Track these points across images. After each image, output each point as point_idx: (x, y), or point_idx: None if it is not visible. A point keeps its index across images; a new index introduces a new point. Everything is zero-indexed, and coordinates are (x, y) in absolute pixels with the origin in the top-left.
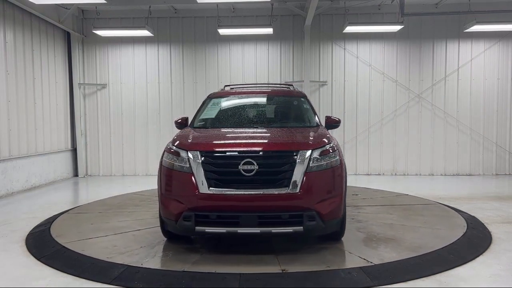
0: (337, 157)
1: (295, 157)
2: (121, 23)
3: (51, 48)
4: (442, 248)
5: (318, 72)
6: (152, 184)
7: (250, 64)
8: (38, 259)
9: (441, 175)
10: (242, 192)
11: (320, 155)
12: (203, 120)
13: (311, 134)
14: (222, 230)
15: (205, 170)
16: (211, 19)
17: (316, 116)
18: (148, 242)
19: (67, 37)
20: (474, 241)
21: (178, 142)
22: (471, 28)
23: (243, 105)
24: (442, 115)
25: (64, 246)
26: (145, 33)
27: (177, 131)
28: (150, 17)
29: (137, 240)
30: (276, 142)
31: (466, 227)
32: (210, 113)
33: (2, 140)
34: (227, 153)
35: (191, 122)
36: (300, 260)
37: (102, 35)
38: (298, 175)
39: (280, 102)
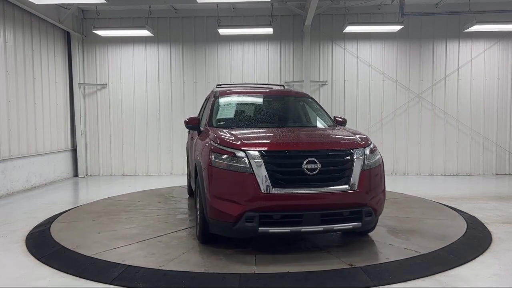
0: (379, 155)
1: (352, 155)
2: (121, 23)
3: (51, 48)
4: (442, 248)
5: (318, 72)
6: (152, 184)
7: (250, 64)
8: (38, 259)
9: (441, 175)
10: (306, 191)
11: (370, 152)
12: (223, 120)
13: (350, 133)
14: (286, 229)
15: (268, 170)
16: (211, 19)
17: (329, 116)
18: (186, 247)
19: (67, 37)
20: (474, 241)
21: (230, 142)
22: (471, 28)
23: (259, 105)
24: (442, 115)
25: (63, 246)
26: (145, 33)
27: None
28: (150, 17)
29: (171, 246)
30: (332, 141)
31: (466, 227)
32: (227, 112)
33: (2, 140)
34: (291, 153)
35: (208, 122)
36: (361, 255)
37: (102, 35)
38: (356, 172)
39: (291, 102)
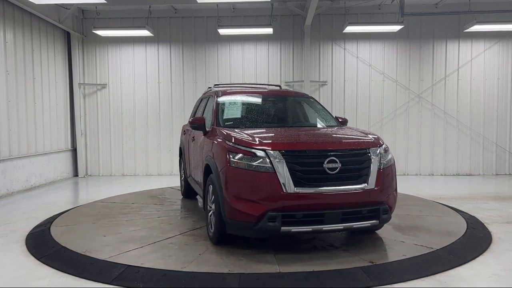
0: (391, 154)
1: (369, 154)
2: (121, 23)
3: (51, 48)
4: (442, 248)
5: (318, 72)
6: (152, 184)
7: (250, 64)
8: (38, 259)
9: (441, 175)
10: (327, 190)
11: (384, 152)
12: (231, 119)
13: (362, 132)
14: (308, 228)
15: (290, 170)
16: (211, 19)
17: (332, 116)
18: (201, 248)
19: (67, 37)
20: (474, 241)
21: (249, 141)
22: (471, 28)
23: (264, 105)
24: (442, 115)
25: (64, 246)
26: (145, 33)
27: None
28: (150, 17)
29: (185, 247)
30: (350, 141)
31: (466, 227)
32: (233, 112)
33: (2, 140)
34: (312, 152)
35: (215, 122)
36: (378, 253)
37: (102, 35)
38: (374, 171)
39: (295, 103)
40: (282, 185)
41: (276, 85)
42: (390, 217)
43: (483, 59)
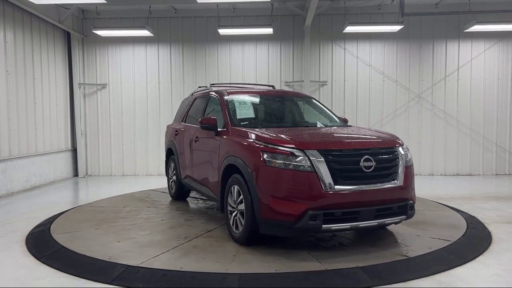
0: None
1: (397, 152)
2: (121, 23)
3: (51, 48)
4: (442, 248)
5: (318, 72)
6: (152, 184)
7: (250, 64)
8: (38, 259)
9: (441, 175)
10: (363, 188)
11: (407, 150)
12: (246, 119)
13: (378, 132)
14: (347, 226)
15: (330, 169)
16: (211, 19)
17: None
18: (232, 249)
19: (67, 37)
20: (474, 241)
21: (285, 141)
22: (471, 28)
23: (273, 105)
24: (442, 115)
25: (64, 246)
26: (145, 33)
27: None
28: (150, 17)
29: (212, 249)
30: (380, 140)
31: (466, 227)
32: (246, 112)
33: (2, 140)
34: (349, 151)
35: (230, 122)
36: (404, 247)
37: (102, 35)
38: (401, 169)
39: (301, 103)
40: (323, 184)
41: (270, 85)
42: (414, 213)
43: (483, 59)
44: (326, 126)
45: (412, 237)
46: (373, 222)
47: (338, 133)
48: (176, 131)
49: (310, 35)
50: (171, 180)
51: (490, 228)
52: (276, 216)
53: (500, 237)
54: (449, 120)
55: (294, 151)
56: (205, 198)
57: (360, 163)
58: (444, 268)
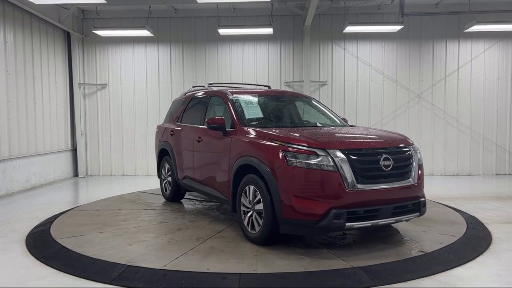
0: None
1: (410, 151)
2: (121, 23)
3: (51, 48)
4: (442, 248)
5: (318, 72)
6: (152, 184)
7: (250, 64)
8: (38, 259)
9: (441, 175)
10: (383, 186)
11: (417, 149)
12: (254, 119)
13: (389, 131)
14: (368, 223)
15: (352, 168)
16: (211, 19)
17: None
18: (252, 250)
19: (67, 37)
20: (474, 241)
21: (307, 141)
22: (471, 28)
23: (279, 105)
24: (442, 115)
25: (64, 246)
26: (145, 33)
27: None
28: (150, 17)
29: (232, 251)
30: (395, 139)
31: (466, 227)
32: (254, 112)
33: (2, 140)
34: (369, 150)
35: (239, 122)
36: (417, 243)
37: (102, 35)
38: (415, 167)
39: (304, 103)
40: (346, 183)
41: (265, 85)
42: (426, 210)
43: (483, 59)
44: (333, 126)
45: (421, 233)
46: (391, 220)
47: (354, 133)
48: (172, 131)
49: (310, 35)
50: (165, 181)
51: (490, 228)
52: (299, 216)
53: (500, 237)
54: (449, 120)
55: (317, 150)
56: (201, 199)
57: (380, 162)
58: (444, 268)
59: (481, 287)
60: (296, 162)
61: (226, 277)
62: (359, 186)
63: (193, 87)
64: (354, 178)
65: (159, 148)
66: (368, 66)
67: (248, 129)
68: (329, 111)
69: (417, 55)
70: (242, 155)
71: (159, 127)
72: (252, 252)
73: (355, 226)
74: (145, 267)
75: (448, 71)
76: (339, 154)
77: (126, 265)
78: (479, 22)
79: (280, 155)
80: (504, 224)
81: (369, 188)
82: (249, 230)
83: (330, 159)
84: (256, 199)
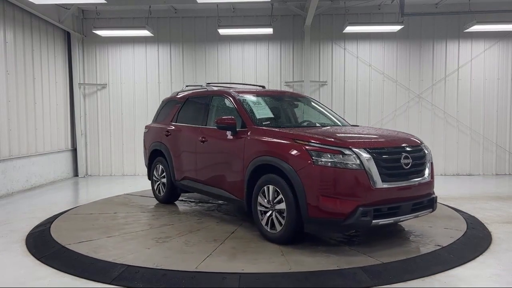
0: None
1: (424, 150)
2: (121, 23)
3: (51, 48)
4: (442, 248)
5: (318, 72)
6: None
7: (250, 64)
8: (38, 259)
9: (441, 175)
10: (404, 184)
11: (427, 147)
12: (266, 119)
13: (397, 131)
14: (390, 220)
15: (378, 166)
16: (211, 19)
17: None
18: (276, 250)
19: (67, 37)
20: (474, 241)
21: (332, 141)
22: (471, 28)
23: (287, 106)
24: (442, 115)
25: (64, 246)
26: (145, 33)
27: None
28: (150, 17)
29: (255, 250)
30: (409, 138)
31: (466, 227)
32: (263, 112)
33: (2, 140)
34: (391, 149)
35: (251, 122)
36: (430, 238)
37: (102, 35)
38: (428, 165)
39: (307, 104)
40: (372, 181)
41: (260, 85)
42: (437, 206)
43: (483, 59)
44: (346, 126)
45: (429, 229)
46: (411, 216)
47: (372, 133)
48: (167, 131)
49: (310, 35)
50: (158, 183)
51: (490, 228)
52: (325, 215)
53: (500, 237)
54: (449, 120)
55: (343, 149)
56: (197, 200)
57: (401, 161)
58: (444, 268)
59: (481, 287)
60: (322, 161)
61: (226, 277)
62: (384, 184)
63: (187, 86)
64: (379, 176)
65: (151, 148)
66: (368, 66)
67: (264, 129)
68: (332, 112)
69: (417, 55)
70: (259, 155)
71: (148, 127)
72: (278, 252)
73: (380, 223)
74: (145, 267)
75: (448, 71)
76: (364, 152)
77: (126, 265)
78: (479, 22)
79: (306, 154)
80: (504, 224)
81: (392, 186)
82: (269, 230)
83: (356, 158)
84: (277, 198)
